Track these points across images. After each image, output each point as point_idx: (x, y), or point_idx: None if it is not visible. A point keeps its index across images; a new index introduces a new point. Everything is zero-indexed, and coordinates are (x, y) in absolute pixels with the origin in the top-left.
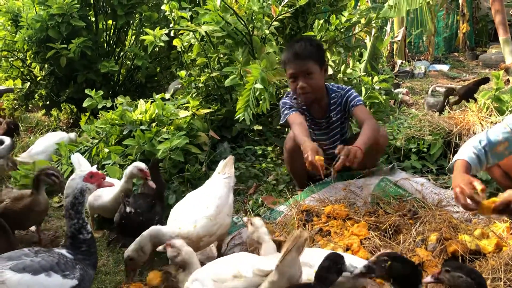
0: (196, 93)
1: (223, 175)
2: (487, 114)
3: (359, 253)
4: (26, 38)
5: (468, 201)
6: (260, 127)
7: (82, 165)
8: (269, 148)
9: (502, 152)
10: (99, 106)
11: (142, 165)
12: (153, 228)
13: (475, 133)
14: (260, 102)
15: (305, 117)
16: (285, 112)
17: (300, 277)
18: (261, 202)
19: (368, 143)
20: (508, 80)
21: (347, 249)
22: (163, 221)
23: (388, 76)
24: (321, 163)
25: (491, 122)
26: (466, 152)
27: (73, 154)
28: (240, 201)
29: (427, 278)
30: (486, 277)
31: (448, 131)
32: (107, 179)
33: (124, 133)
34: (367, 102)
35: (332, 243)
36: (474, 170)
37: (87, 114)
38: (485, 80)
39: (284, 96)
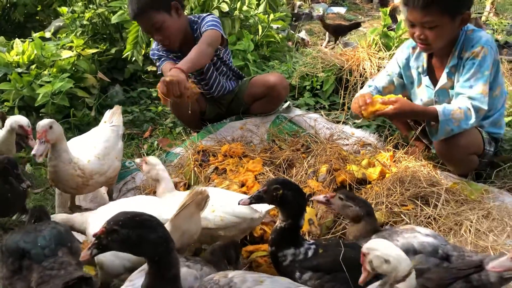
0: (81, 32)
1: (110, 124)
2: (376, 50)
3: (254, 188)
4: None
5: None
6: (155, 68)
7: None
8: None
9: (392, 93)
10: None
11: (24, 121)
12: None
13: (364, 69)
14: (151, 39)
15: (179, 58)
16: (157, 64)
17: (197, 233)
18: (157, 145)
19: (190, 63)
20: (395, 17)
21: (242, 185)
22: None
23: (284, 14)
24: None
25: (379, 58)
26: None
27: None
28: (134, 146)
29: (319, 197)
30: (371, 202)
31: (339, 67)
32: None
33: None
34: (264, 41)
35: (228, 180)
36: None
37: None
38: (357, 25)
39: (152, 44)
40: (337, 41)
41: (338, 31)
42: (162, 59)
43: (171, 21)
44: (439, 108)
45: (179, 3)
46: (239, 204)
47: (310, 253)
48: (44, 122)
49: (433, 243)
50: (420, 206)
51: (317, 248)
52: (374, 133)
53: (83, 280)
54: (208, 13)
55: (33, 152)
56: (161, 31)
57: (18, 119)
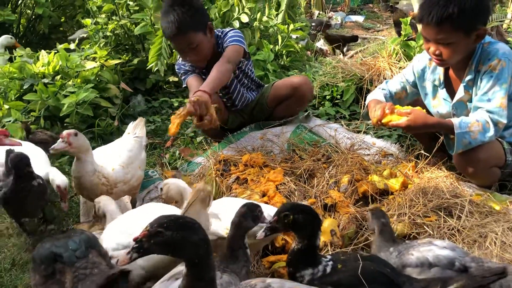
0: (104, 43)
1: (133, 135)
2: (396, 60)
3: (275, 198)
4: None
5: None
6: (176, 78)
7: None
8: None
9: (402, 99)
10: None
11: (62, 183)
12: None
13: (385, 78)
14: (174, 51)
15: (202, 78)
16: (183, 77)
17: (207, 229)
18: (178, 155)
19: (213, 84)
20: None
21: (263, 195)
22: None
23: (303, 24)
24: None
25: (400, 68)
26: (375, 95)
27: None
28: (156, 155)
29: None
30: (393, 213)
31: (360, 77)
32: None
33: (24, 87)
34: (284, 51)
35: (249, 190)
36: None
37: None
38: (353, 38)
39: (177, 57)
40: (336, 51)
41: (334, 43)
42: (189, 73)
43: (205, 41)
44: (455, 121)
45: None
46: (256, 238)
47: (328, 269)
48: (70, 130)
49: (449, 255)
50: (444, 217)
51: (335, 264)
52: (396, 143)
53: (124, 274)
54: (231, 28)
55: (52, 146)
56: (195, 51)
57: (56, 178)
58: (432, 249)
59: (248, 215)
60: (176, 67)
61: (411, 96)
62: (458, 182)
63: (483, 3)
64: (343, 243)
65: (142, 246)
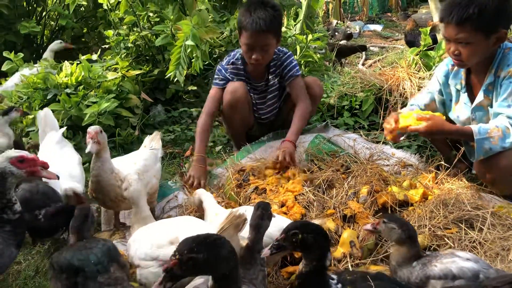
0: (125, 54)
1: (149, 148)
2: (416, 70)
3: (294, 208)
4: None
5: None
6: (196, 88)
7: (47, 125)
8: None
9: (434, 111)
10: (20, 70)
11: (79, 189)
12: None
13: (404, 89)
14: (193, 61)
15: (244, 80)
16: (215, 81)
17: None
18: None
19: (299, 132)
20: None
21: (282, 206)
22: None
23: (322, 34)
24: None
25: (419, 78)
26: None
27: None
28: (176, 165)
29: (367, 226)
30: (413, 224)
31: (379, 87)
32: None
33: (48, 97)
34: (302, 61)
35: (268, 200)
36: None
37: (8, 78)
38: (362, 47)
39: (225, 58)
40: (341, 62)
41: (339, 54)
42: (223, 82)
43: (274, 47)
44: (474, 127)
45: None
46: (261, 256)
47: None
48: (95, 126)
49: (473, 268)
50: (465, 229)
51: (344, 286)
52: (416, 153)
53: None
54: (290, 52)
55: (88, 150)
56: (264, 53)
57: (73, 187)
58: (456, 261)
59: (265, 215)
60: (218, 67)
61: (441, 105)
62: (480, 193)
63: (505, 7)
64: (362, 254)
65: (174, 274)
